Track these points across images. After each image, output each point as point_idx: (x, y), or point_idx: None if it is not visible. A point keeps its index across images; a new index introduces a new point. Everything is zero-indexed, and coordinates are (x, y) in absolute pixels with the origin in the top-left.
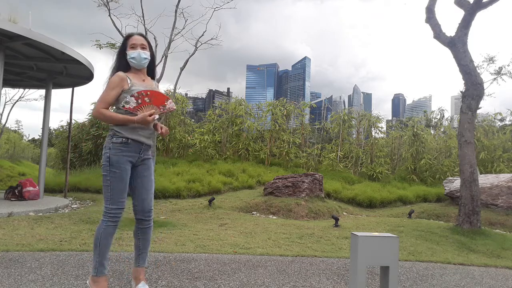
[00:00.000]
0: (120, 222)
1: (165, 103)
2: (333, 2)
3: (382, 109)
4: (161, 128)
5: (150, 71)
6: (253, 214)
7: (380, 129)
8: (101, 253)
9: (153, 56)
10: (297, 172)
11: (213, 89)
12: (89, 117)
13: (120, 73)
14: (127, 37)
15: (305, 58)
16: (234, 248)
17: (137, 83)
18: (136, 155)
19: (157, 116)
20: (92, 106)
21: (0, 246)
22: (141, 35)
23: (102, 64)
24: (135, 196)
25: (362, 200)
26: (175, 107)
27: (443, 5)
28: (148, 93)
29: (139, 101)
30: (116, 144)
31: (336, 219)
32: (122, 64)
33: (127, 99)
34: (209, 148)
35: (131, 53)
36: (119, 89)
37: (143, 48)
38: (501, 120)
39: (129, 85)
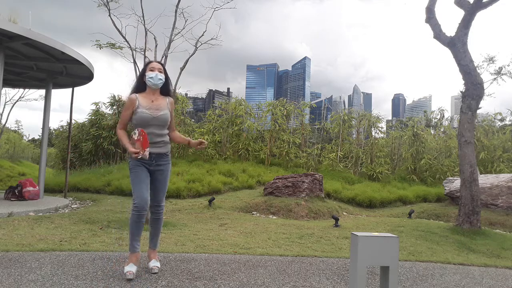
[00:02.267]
0: (144, 214)
1: (145, 149)
2: (332, 1)
3: (382, 109)
4: (190, 143)
5: (165, 91)
6: (253, 214)
7: (380, 129)
8: (131, 236)
9: (167, 79)
10: (297, 172)
11: (213, 89)
12: (89, 117)
13: (132, 96)
14: (148, 63)
15: (305, 58)
16: (234, 248)
17: (144, 104)
18: (148, 161)
19: (139, 156)
20: (93, 106)
21: (0, 246)
22: (159, 62)
23: (102, 64)
24: (151, 194)
25: (362, 200)
26: (147, 157)
27: (443, 5)
28: (143, 134)
29: (140, 137)
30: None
31: (336, 219)
32: (140, 85)
33: (135, 131)
34: (209, 148)
35: (149, 74)
36: (131, 109)
37: (160, 71)
38: (501, 120)
39: (136, 106)
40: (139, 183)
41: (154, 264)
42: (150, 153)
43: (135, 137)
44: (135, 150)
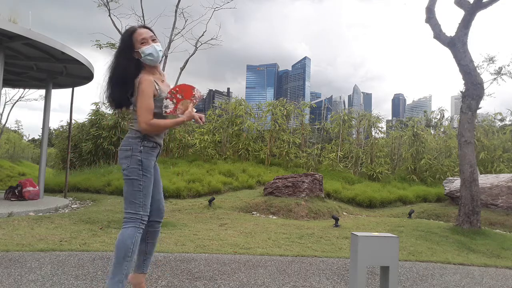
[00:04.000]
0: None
1: (193, 93)
2: (332, 1)
3: (382, 109)
4: (200, 118)
5: None
6: (253, 214)
7: (380, 129)
8: (133, 259)
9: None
10: (297, 172)
11: (213, 89)
12: (89, 117)
13: (151, 78)
14: (131, 33)
15: (305, 58)
16: (234, 248)
17: (161, 87)
18: (155, 158)
19: (194, 109)
20: (93, 106)
21: (0, 246)
22: (144, 27)
23: (102, 64)
24: (154, 197)
25: (362, 200)
26: (202, 93)
27: (443, 5)
28: (177, 89)
29: (174, 100)
30: (147, 148)
31: (336, 219)
32: (133, 65)
33: (165, 103)
34: (209, 148)
35: (146, 50)
36: (153, 96)
37: (154, 40)
38: (501, 120)
39: (158, 90)
40: (151, 191)
41: None
42: (160, 146)
43: (170, 107)
44: (190, 107)
